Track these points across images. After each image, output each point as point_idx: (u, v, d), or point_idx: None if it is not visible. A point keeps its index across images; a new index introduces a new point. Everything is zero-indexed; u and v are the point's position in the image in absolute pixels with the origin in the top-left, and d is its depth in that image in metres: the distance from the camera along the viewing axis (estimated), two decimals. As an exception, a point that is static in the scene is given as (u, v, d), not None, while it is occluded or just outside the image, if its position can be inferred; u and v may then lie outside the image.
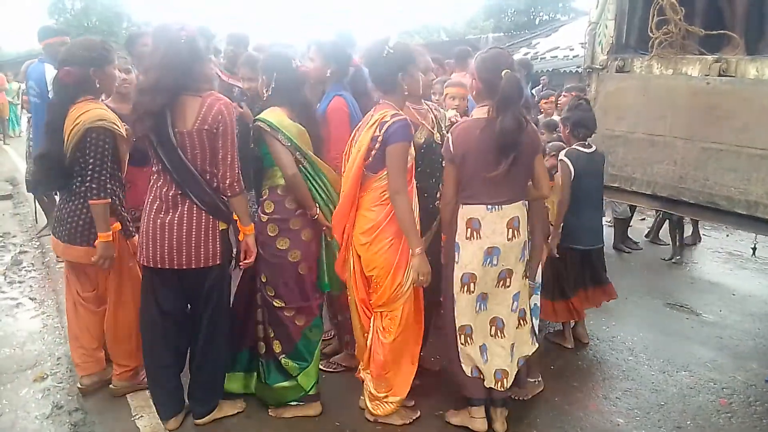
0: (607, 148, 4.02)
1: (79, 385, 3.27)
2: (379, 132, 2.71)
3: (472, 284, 2.79)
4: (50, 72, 4.61)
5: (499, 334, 2.86)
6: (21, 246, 6.22)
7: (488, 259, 2.76)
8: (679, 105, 3.69)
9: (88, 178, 2.84)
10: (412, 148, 2.83)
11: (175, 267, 2.71)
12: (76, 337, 3.24)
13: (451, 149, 2.77)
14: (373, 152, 2.74)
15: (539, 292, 3.25)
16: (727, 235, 6.95)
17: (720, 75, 3.49)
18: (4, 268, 5.49)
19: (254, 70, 3.44)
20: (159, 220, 2.70)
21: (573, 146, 3.78)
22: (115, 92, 3.29)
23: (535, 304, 3.19)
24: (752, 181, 3.37)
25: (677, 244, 6.15)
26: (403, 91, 2.82)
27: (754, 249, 6.01)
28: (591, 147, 3.80)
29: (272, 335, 3.03)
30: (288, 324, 2.99)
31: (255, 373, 3.16)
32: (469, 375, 2.89)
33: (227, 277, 2.91)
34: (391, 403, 2.95)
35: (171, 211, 2.70)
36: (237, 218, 2.82)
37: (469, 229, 2.78)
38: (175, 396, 2.95)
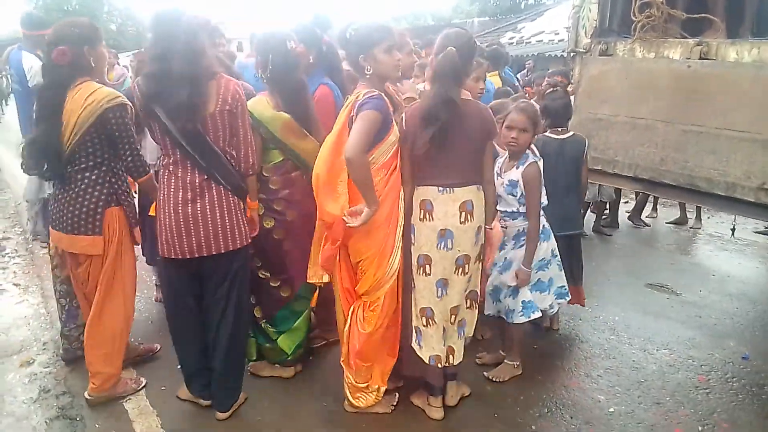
0: (590, 131, 4.05)
1: (86, 396, 3.06)
2: (354, 111, 2.64)
3: (427, 266, 2.78)
4: (27, 60, 4.57)
5: (454, 319, 2.89)
6: (3, 232, 6.18)
7: (442, 242, 2.75)
8: (660, 88, 3.74)
9: (129, 159, 2.85)
10: (395, 135, 2.72)
11: (213, 252, 2.69)
12: (94, 337, 3.02)
13: (404, 128, 2.75)
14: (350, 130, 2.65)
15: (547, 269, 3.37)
16: (708, 217, 7.05)
17: (701, 58, 3.53)
18: (-14, 254, 5.45)
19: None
20: (189, 209, 2.65)
21: (544, 133, 3.77)
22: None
23: (538, 280, 3.32)
24: (731, 163, 3.43)
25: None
26: (366, 73, 2.67)
27: (733, 230, 6.14)
28: (564, 133, 3.78)
29: (254, 302, 3.16)
30: (273, 293, 3.13)
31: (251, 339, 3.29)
32: (427, 363, 2.89)
33: (248, 261, 2.96)
34: (371, 392, 2.95)
35: (199, 198, 2.66)
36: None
37: (422, 211, 2.77)
38: (205, 376, 2.96)
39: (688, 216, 6.82)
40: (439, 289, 2.81)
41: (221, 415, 2.93)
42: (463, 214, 2.75)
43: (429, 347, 2.87)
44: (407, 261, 2.86)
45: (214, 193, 2.68)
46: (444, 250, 2.76)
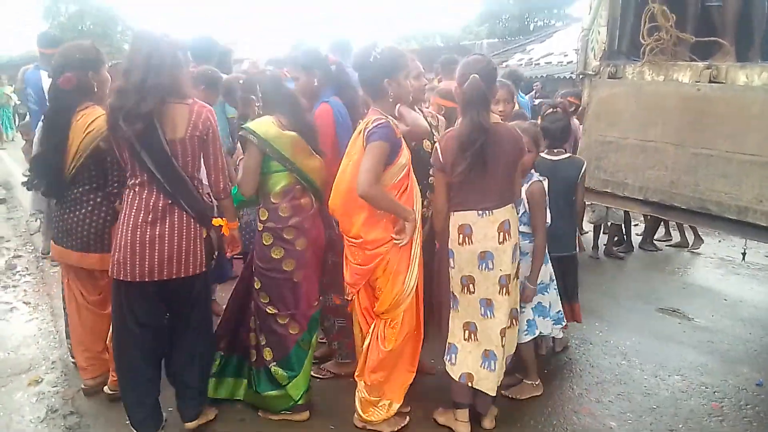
0: (599, 153, 4.05)
1: (83, 386, 3.29)
2: (364, 140, 2.71)
3: (471, 285, 2.82)
4: (46, 79, 4.63)
5: (504, 341, 2.88)
6: (15, 250, 6.22)
7: (483, 263, 2.79)
8: (670, 111, 3.73)
9: (116, 186, 2.89)
10: (405, 158, 2.79)
11: (164, 278, 2.63)
12: (81, 341, 3.23)
13: (440, 158, 2.80)
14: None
15: (546, 293, 3.36)
16: (719, 241, 7.00)
17: (710, 81, 3.52)
18: (-2, 272, 5.48)
19: (296, 67, 3.34)
20: (148, 233, 2.60)
21: (540, 154, 3.76)
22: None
23: (538, 303, 3.31)
24: (742, 187, 3.40)
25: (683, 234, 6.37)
26: (389, 97, 2.78)
27: (744, 254, 6.07)
28: (561, 155, 3.75)
29: (263, 342, 3.04)
30: (281, 332, 3.00)
31: (244, 380, 3.18)
32: (457, 380, 2.90)
33: (209, 282, 2.97)
34: (382, 407, 2.94)
35: (159, 222, 2.61)
36: (221, 220, 2.88)
37: (461, 235, 2.81)
38: (157, 409, 2.89)
39: (689, 239, 6.78)
40: (483, 308, 2.83)
41: (190, 425, 2.92)
42: (502, 234, 2.79)
43: (463, 364, 2.88)
44: (443, 285, 2.89)
45: (176, 218, 2.64)
46: (486, 271, 2.79)
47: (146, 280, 2.63)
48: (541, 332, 3.37)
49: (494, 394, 2.92)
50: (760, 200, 3.33)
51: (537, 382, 3.42)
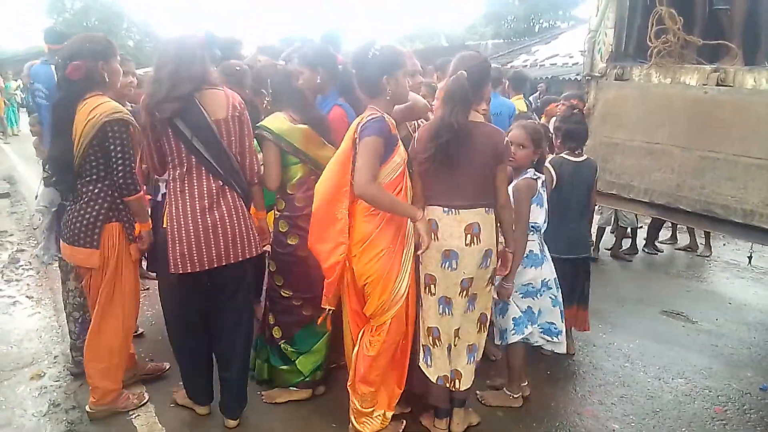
0: (605, 155, 4.04)
1: (88, 410, 3.05)
2: (357, 134, 2.65)
3: (432, 285, 2.78)
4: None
5: (457, 340, 2.86)
6: (18, 244, 6.23)
7: (446, 262, 2.73)
8: (677, 114, 3.72)
9: (120, 176, 2.77)
10: (401, 156, 2.73)
11: (229, 262, 2.71)
12: (95, 350, 3.04)
13: (414, 145, 2.80)
14: (356, 155, 2.65)
15: (537, 298, 3.24)
16: (724, 244, 6.98)
17: (718, 85, 3.52)
18: (1, 266, 5.50)
19: (303, 63, 3.32)
20: (209, 219, 2.66)
21: (561, 154, 3.75)
22: (117, 92, 3.14)
23: (528, 307, 3.21)
24: (749, 190, 3.40)
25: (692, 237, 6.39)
26: (386, 95, 2.71)
27: (750, 258, 6.05)
28: (580, 156, 3.74)
29: (272, 322, 3.18)
30: (294, 312, 3.11)
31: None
32: (434, 383, 2.86)
33: (261, 268, 3.05)
34: (377, 418, 2.88)
35: (216, 206, 2.68)
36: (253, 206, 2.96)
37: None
38: (210, 385, 3.04)
39: (699, 242, 6.75)
40: (441, 306, 2.79)
41: (232, 423, 2.97)
42: (469, 236, 2.72)
43: (437, 367, 2.85)
44: (418, 282, 2.84)
45: (230, 200, 2.72)
46: (448, 270, 2.74)
47: (214, 266, 2.69)
48: (526, 338, 3.22)
49: (448, 386, 2.87)
50: (766, 204, 3.32)
51: (516, 395, 3.28)
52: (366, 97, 2.78)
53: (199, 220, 2.66)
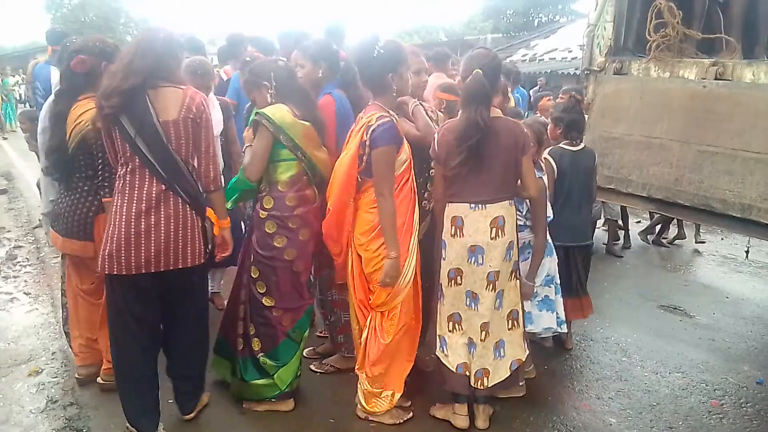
0: (603, 149, 4.03)
1: (76, 375, 3.31)
2: (366, 136, 2.71)
3: (458, 277, 2.83)
4: (55, 75, 4.66)
5: (485, 336, 2.87)
6: (16, 241, 6.22)
7: (472, 257, 2.78)
8: (675, 108, 3.71)
9: (100, 178, 2.83)
10: (406, 153, 2.82)
11: (161, 270, 2.56)
12: (74, 328, 3.28)
13: (436, 149, 2.82)
14: (364, 157, 2.75)
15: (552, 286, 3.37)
16: (722, 239, 6.98)
17: (716, 78, 3.51)
18: (-1, 262, 5.48)
19: (305, 56, 3.30)
20: (143, 223, 2.50)
21: (558, 144, 3.79)
22: None
23: (545, 296, 3.32)
24: (747, 185, 3.39)
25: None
26: (392, 92, 2.79)
27: (747, 252, 6.05)
28: (578, 145, 3.78)
29: (252, 333, 3.02)
30: (273, 324, 2.98)
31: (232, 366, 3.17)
32: (454, 371, 2.89)
33: (206, 274, 2.97)
34: (385, 398, 2.95)
35: (154, 210, 2.52)
36: (212, 214, 2.76)
37: (453, 227, 2.81)
38: (156, 406, 2.82)
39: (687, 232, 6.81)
40: (468, 299, 2.83)
41: (189, 416, 2.98)
42: (494, 230, 2.77)
43: (456, 354, 2.88)
44: (432, 274, 2.90)
45: (171, 206, 2.56)
46: (474, 265, 2.79)
47: (141, 272, 2.54)
48: (544, 328, 3.36)
49: (474, 384, 2.88)
50: (764, 198, 3.31)
51: (521, 383, 3.28)
52: (371, 94, 2.84)
53: (133, 223, 2.50)
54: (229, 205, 2.93)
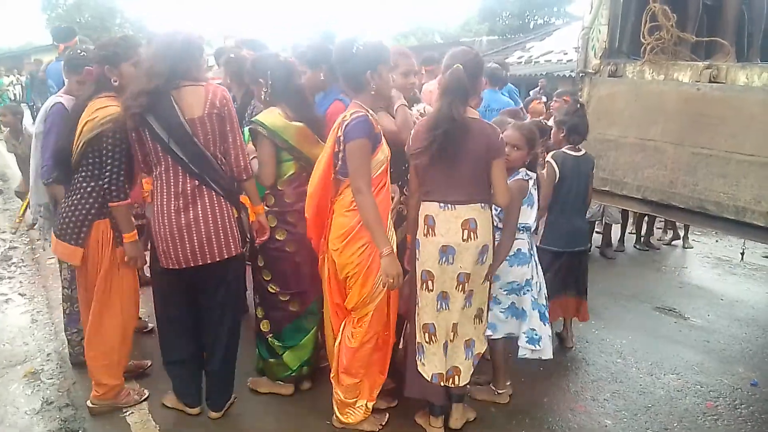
0: (598, 152, 4.05)
1: (89, 404, 3.08)
2: (341, 132, 2.68)
3: (430, 282, 2.78)
4: None
5: (455, 336, 2.86)
6: (11, 242, 6.20)
7: (443, 257, 2.74)
8: (670, 110, 3.73)
9: (107, 180, 2.77)
10: (384, 154, 2.76)
11: (205, 262, 2.72)
12: (93, 347, 3.03)
13: (410, 143, 2.79)
14: (340, 155, 2.70)
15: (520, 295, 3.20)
16: (717, 241, 7.01)
17: (710, 81, 3.53)
18: (-7, 263, 5.47)
19: (303, 63, 3.31)
20: (183, 219, 2.67)
21: (562, 149, 3.81)
22: None
23: (511, 303, 3.19)
24: (741, 187, 3.41)
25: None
26: (371, 90, 2.72)
27: (743, 254, 6.09)
28: (580, 150, 3.82)
29: (261, 315, 3.18)
30: (282, 308, 3.11)
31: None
32: (429, 381, 2.86)
33: (244, 264, 3.05)
34: (359, 408, 2.92)
35: (191, 206, 2.68)
36: (247, 201, 2.96)
37: (426, 226, 2.77)
38: (199, 388, 3.05)
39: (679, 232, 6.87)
40: (440, 302, 2.80)
41: (214, 415, 3.02)
42: (466, 231, 2.73)
43: (432, 365, 2.85)
44: (413, 278, 2.85)
45: (206, 200, 2.70)
46: (445, 265, 2.75)
47: (191, 265, 2.71)
48: (508, 333, 3.21)
49: (444, 383, 2.86)
50: (758, 201, 3.34)
51: (501, 391, 3.28)
52: (351, 93, 2.80)
53: (174, 220, 2.67)
54: None
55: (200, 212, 2.69)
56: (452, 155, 2.68)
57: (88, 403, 3.06)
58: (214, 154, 2.71)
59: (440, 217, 2.74)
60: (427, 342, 2.84)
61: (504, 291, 3.16)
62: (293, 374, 3.20)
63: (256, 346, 3.29)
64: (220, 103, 2.68)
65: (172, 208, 2.67)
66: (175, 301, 2.93)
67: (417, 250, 2.82)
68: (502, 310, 3.18)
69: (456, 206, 2.73)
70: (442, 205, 2.74)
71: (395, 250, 2.73)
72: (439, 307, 2.80)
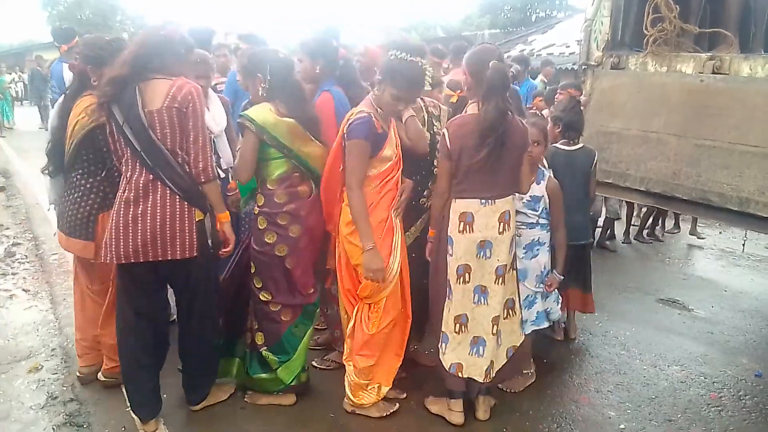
0: (601, 144, 4.03)
1: (78, 374, 3.32)
2: (345, 129, 2.78)
3: (467, 275, 2.82)
4: (67, 71, 4.69)
5: (495, 330, 2.88)
6: (14, 238, 6.21)
7: (481, 252, 2.80)
8: (673, 102, 3.71)
9: (107, 174, 2.86)
10: (392, 150, 2.82)
11: (150, 259, 2.57)
12: (81, 329, 3.28)
13: (448, 145, 2.78)
14: (345, 150, 2.79)
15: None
16: (720, 233, 7.00)
17: (714, 73, 3.51)
18: (-3, 259, 5.48)
19: (303, 52, 3.32)
20: (130, 212, 2.55)
21: (554, 144, 3.79)
22: None
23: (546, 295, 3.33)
24: (744, 178, 3.40)
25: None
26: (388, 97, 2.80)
27: (744, 244, 6.08)
28: (574, 145, 3.79)
29: (256, 327, 3.05)
30: (273, 318, 2.99)
31: (236, 359, 3.19)
32: (447, 370, 2.90)
33: (212, 269, 2.87)
34: (372, 390, 2.96)
35: (142, 200, 2.55)
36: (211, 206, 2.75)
37: (462, 223, 2.80)
38: (153, 397, 2.86)
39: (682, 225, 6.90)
40: (477, 295, 2.84)
41: (194, 408, 3.04)
42: (502, 224, 2.80)
43: (453, 354, 2.89)
44: (440, 272, 2.89)
45: (158, 196, 2.56)
46: (483, 259, 2.80)
47: (131, 261, 2.57)
48: (551, 321, 3.42)
49: (482, 380, 2.89)
50: (762, 191, 3.32)
51: (531, 371, 3.42)
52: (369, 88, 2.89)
53: (122, 212, 2.57)
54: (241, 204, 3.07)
55: (149, 207, 2.55)
56: (501, 153, 2.72)
57: (100, 375, 3.25)
58: (173, 151, 2.58)
59: (480, 212, 2.79)
60: (456, 332, 2.88)
61: (538, 281, 3.29)
62: (285, 387, 3.08)
63: (243, 361, 3.16)
64: (182, 98, 2.56)
65: (124, 199, 2.58)
66: (128, 300, 2.75)
67: (450, 247, 2.84)
68: (546, 300, 3.34)
69: (495, 201, 2.79)
70: (483, 201, 2.79)
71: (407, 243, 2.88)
72: (476, 300, 2.84)
